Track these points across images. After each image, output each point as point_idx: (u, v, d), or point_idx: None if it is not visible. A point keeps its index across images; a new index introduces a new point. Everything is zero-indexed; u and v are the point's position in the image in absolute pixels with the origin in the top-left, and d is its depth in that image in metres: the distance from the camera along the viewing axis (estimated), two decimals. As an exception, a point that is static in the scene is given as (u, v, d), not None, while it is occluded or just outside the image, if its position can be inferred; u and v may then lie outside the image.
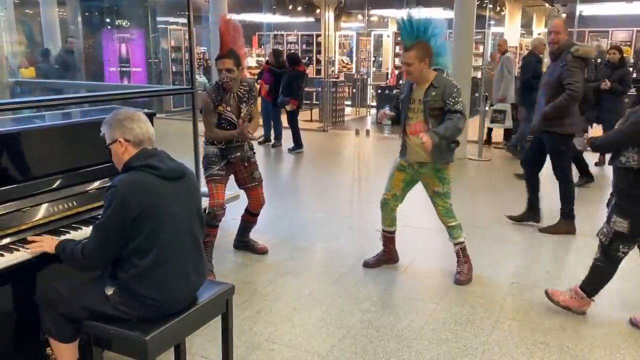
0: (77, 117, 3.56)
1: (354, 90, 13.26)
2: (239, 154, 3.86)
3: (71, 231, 2.53)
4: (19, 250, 2.29)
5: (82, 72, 11.68)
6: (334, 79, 11.97)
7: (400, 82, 12.09)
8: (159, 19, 13.12)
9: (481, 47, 13.80)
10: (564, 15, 14.22)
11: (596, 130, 7.53)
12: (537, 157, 4.92)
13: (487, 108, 8.52)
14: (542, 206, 5.06)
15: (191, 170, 2.43)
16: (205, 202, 3.40)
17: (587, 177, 6.66)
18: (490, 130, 9.08)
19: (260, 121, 3.83)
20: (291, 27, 16.53)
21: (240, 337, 3.01)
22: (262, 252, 4.24)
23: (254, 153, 4.06)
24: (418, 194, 4.04)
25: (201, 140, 3.80)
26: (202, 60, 14.50)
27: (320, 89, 11.60)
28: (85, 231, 2.54)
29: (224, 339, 2.55)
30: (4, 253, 2.24)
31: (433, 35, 3.56)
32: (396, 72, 13.94)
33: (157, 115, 3.97)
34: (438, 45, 3.60)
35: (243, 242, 4.25)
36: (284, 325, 3.19)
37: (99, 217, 2.20)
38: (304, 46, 15.95)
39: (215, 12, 9.80)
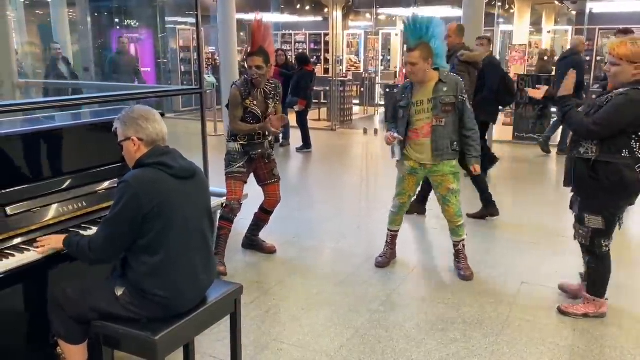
0: (86, 117, 3.59)
1: (362, 89, 13.25)
2: (260, 150, 3.92)
3: (80, 231, 2.54)
4: (29, 250, 2.30)
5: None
6: (342, 78, 11.96)
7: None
8: (167, 19, 13.17)
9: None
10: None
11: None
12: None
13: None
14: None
15: (201, 170, 2.44)
16: (220, 199, 3.49)
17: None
18: None
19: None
20: (299, 27, 16.53)
21: (249, 336, 3.02)
22: (271, 251, 4.25)
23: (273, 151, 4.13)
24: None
25: (224, 137, 3.86)
26: (210, 60, 14.52)
27: (328, 88, 11.59)
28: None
29: (233, 339, 2.55)
30: (14, 253, 2.25)
31: (433, 36, 3.59)
32: (404, 70, 13.89)
33: (166, 115, 3.99)
34: (437, 46, 3.63)
35: (252, 241, 4.27)
36: (293, 324, 3.20)
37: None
38: (312, 45, 15.95)
39: (223, 12, 9.79)
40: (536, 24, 15.12)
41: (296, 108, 8.40)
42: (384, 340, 3.03)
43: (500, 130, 9.45)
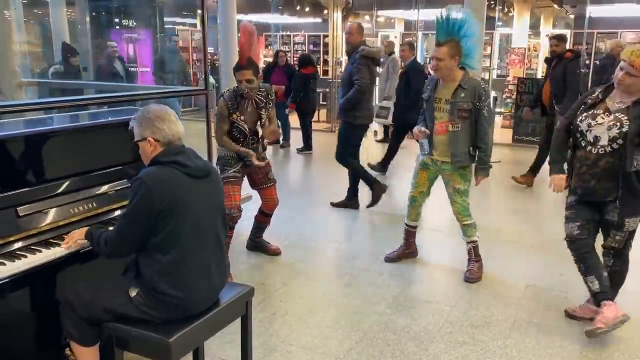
0: (85, 118, 3.57)
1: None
2: (263, 152, 3.95)
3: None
4: (40, 251, 2.29)
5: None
6: (339, 80, 11.95)
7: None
8: (166, 19, 13.14)
9: (489, 49, 13.81)
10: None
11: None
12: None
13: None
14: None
15: (216, 169, 2.44)
16: None
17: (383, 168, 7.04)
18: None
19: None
20: (298, 28, 16.53)
21: (257, 338, 3.01)
22: (275, 253, 4.24)
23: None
24: (430, 196, 4.05)
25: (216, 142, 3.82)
26: (210, 60, 14.51)
27: (327, 90, 11.58)
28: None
29: (244, 342, 2.54)
30: (26, 254, 2.24)
31: (465, 35, 3.61)
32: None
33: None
34: (469, 47, 3.65)
35: (256, 243, 4.25)
36: (300, 327, 3.19)
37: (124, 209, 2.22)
38: (311, 47, 15.94)
39: (223, 13, 9.79)
40: (534, 27, 15.17)
41: (287, 111, 8.42)
42: (392, 343, 3.03)
43: (500, 133, 9.48)
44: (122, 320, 2.20)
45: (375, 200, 5.36)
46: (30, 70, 9.91)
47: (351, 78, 5.13)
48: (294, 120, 8.92)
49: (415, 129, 3.79)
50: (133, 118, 2.29)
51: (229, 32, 9.84)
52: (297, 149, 8.65)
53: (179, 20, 14.08)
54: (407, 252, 4.17)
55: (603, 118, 3.04)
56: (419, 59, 9.09)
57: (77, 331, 2.23)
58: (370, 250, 4.39)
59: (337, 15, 11.13)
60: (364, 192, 5.55)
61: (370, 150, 8.64)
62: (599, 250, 3.20)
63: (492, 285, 3.78)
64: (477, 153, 3.72)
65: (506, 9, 13.15)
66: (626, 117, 2.95)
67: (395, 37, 15.25)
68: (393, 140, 7.28)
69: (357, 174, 5.48)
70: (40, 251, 2.29)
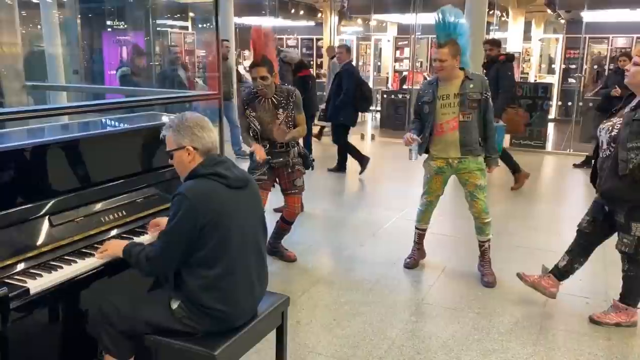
0: (78, 125, 3.48)
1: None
2: (281, 159, 3.87)
3: (136, 239, 2.46)
4: (76, 261, 2.22)
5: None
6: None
7: (404, 86, 12.14)
8: (159, 21, 13.01)
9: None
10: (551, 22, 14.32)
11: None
12: None
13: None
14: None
15: (253, 179, 2.39)
16: None
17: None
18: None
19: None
20: (291, 31, 16.48)
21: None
22: (290, 259, 4.19)
23: (312, 160, 4.10)
24: (443, 203, 4.03)
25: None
26: (202, 63, 14.40)
27: (324, 93, 11.54)
28: (140, 240, 2.48)
29: (279, 353, 2.51)
30: (62, 265, 2.17)
31: (460, 34, 3.68)
32: (399, 76, 13.94)
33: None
34: (462, 44, 3.69)
35: (275, 248, 4.20)
36: (327, 336, 3.14)
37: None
38: (304, 50, 15.90)
39: (221, 15, 9.70)
40: (525, 32, 15.29)
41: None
42: (422, 351, 3.00)
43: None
44: (162, 333, 2.15)
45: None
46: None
47: None
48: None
49: (407, 135, 3.74)
50: (168, 126, 2.22)
51: (226, 35, 9.77)
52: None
53: (171, 22, 13.95)
54: (421, 255, 4.19)
55: (609, 123, 3.09)
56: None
57: (114, 345, 2.16)
58: (385, 255, 4.36)
59: (334, 19, 11.12)
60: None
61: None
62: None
63: (511, 290, 3.76)
64: (487, 143, 3.76)
65: (500, 14, 13.23)
66: (620, 121, 2.99)
67: (389, 40, 15.30)
68: (335, 141, 7.53)
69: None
70: (76, 262, 2.22)
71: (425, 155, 3.90)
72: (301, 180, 3.99)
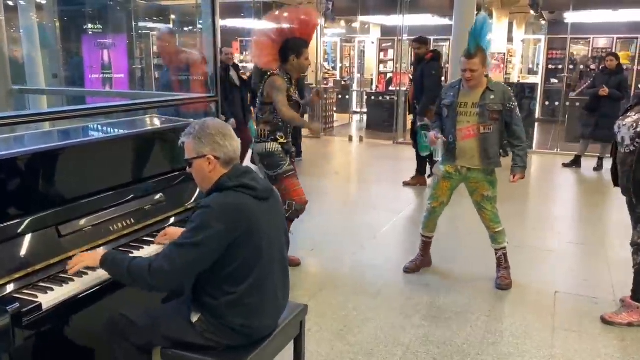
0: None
1: (339, 97, 13.21)
2: (293, 148, 3.98)
3: (134, 251, 2.35)
4: (87, 273, 2.10)
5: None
6: (324, 86, 11.89)
7: (391, 87, 12.12)
8: (140, 24, 12.81)
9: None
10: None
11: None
12: None
13: None
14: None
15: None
16: None
17: None
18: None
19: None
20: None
21: (298, 357, 2.86)
22: (295, 264, 4.09)
23: None
24: (452, 203, 3.99)
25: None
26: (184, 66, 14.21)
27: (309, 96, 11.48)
28: (148, 251, 2.37)
29: (297, 364, 2.41)
30: (73, 277, 2.05)
31: (486, 42, 3.58)
32: (384, 78, 13.93)
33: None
34: (486, 49, 3.63)
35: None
36: (339, 343, 3.06)
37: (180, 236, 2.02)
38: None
39: (207, 17, 9.57)
40: (507, 33, 15.40)
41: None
42: (438, 357, 2.93)
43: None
44: (180, 347, 2.04)
45: None
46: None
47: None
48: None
49: (432, 134, 3.72)
50: (188, 133, 2.08)
51: (212, 37, 9.63)
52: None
53: (154, 25, 13.73)
54: (425, 262, 4.10)
55: (629, 119, 3.09)
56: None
57: (130, 359, 2.06)
58: (389, 258, 4.30)
59: (321, 21, 11.07)
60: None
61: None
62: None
63: (521, 293, 3.73)
64: (515, 151, 3.69)
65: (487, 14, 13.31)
66: None
67: (373, 42, 15.29)
68: None
69: None
70: (87, 273, 2.10)
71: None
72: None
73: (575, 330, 3.22)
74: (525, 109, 9.25)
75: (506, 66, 12.79)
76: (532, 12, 11.74)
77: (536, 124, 11.04)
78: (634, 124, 3.03)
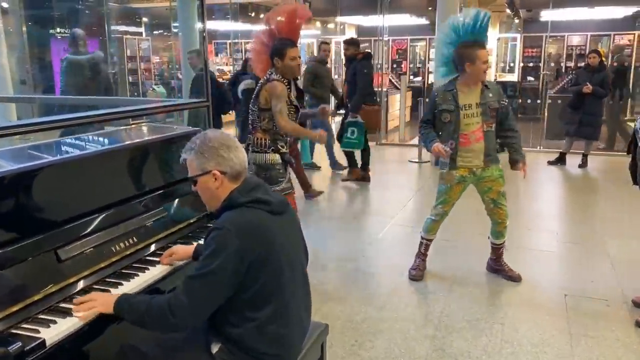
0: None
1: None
2: (292, 159, 3.82)
3: (139, 273, 2.16)
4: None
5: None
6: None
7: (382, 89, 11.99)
8: (113, 27, 12.45)
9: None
10: (516, 21, 14.61)
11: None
12: None
13: None
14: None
15: (284, 188, 2.12)
16: None
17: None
18: None
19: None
20: (250, 35, 16.14)
21: (312, 377, 2.70)
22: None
23: None
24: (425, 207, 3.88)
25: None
26: (158, 69, 13.89)
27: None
28: (153, 273, 2.18)
29: (320, 388, 2.25)
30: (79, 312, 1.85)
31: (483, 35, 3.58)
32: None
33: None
34: None
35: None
36: (354, 359, 2.91)
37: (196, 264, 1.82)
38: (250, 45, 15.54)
39: (183, 20, 9.33)
40: (482, 32, 15.45)
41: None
42: (458, 370, 2.81)
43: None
44: (199, 379, 1.86)
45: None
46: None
47: None
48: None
49: (440, 147, 3.54)
50: (189, 148, 1.90)
51: (190, 40, 9.39)
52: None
53: (127, 29, 13.38)
54: (425, 265, 4.01)
55: None
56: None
57: (143, 396, 1.86)
58: (390, 266, 4.17)
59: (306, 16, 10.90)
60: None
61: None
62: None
63: (530, 297, 3.63)
64: (513, 143, 3.70)
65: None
66: None
67: (349, 43, 15.14)
68: None
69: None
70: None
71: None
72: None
73: (592, 335, 3.13)
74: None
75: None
76: (508, 10, 11.80)
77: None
78: None
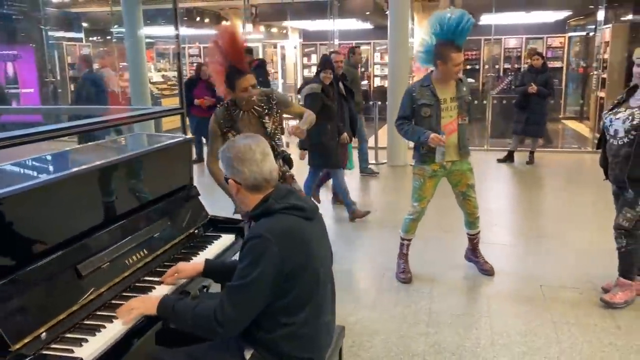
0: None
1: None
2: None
3: (156, 286, 2.12)
4: (111, 321, 1.85)
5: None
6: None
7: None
8: (51, 34, 11.94)
9: (386, 57, 14.29)
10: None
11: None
12: None
13: None
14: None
15: None
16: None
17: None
18: None
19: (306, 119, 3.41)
20: (193, 40, 15.88)
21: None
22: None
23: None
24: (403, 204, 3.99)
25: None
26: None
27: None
28: (161, 291, 2.13)
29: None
30: (104, 324, 1.80)
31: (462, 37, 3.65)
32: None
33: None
34: None
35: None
36: (353, 359, 2.95)
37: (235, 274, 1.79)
38: (207, 59, 15.36)
39: (130, 26, 9.09)
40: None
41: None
42: (457, 363, 2.90)
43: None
44: (233, 387, 1.85)
45: None
46: None
47: None
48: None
49: (435, 136, 3.62)
50: (224, 157, 1.93)
51: (137, 47, 9.17)
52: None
53: (67, 35, 12.85)
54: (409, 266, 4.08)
55: (621, 113, 3.25)
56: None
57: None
58: (370, 265, 4.24)
59: (248, 26, 10.83)
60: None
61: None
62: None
63: (509, 289, 3.79)
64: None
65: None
66: (639, 112, 3.17)
67: (295, 47, 15.24)
68: None
69: None
70: (117, 317, 1.86)
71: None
72: (298, 185, 3.60)
73: (573, 322, 3.31)
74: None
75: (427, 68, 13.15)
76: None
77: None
78: (630, 117, 3.18)
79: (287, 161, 3.36)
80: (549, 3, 12.44)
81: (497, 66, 13.44)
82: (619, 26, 10.31)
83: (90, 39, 13.26)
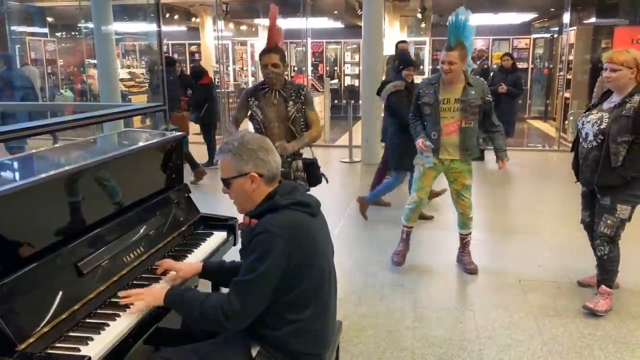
0: None
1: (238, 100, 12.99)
2: (283, 169, 3.54)
3: (154, 284, 2.09)
4: (119, 315, 1.83)
5: None
6: (226, 90, 11.57)
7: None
8: (13, 28, 11.59)
9: (356, 56, 14.42)
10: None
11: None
12: None
13: None
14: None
15: None
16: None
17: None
18: None
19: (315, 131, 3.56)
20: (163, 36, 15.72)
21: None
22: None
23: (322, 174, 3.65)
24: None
25: None
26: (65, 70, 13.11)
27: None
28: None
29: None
30: (107, 322, 1.78)
31: (467, 36, 3.69)
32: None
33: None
34: (468, 47, 3.74)
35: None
36: (345, 356, 2.97)
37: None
38: (176, 56, 15.18)
39: (98, 21, 8.90)
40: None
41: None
42: (445, 356, 2.96)
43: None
44: (239, 383, 1.85)
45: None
46: None
47: None
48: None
49: (421, 142, 3.74)
50: (225, 150, 1.88)
51: (107, 41, 8.98)
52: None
53: (29, 29, 12.49)
54: (407, 251, 4.22)
55: (593, 116, 3.33)
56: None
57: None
58: (355, 262, 4.27)
59: (221, 23, 10.73)
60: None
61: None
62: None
63: (490, 284, 3.89)
64: (497, 138, 3.91)
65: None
66: (608, 116, 3.24)
67: (266, 45, 15.14)
68: None
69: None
70: (119, 315, 1.84)
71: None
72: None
73: (553, 315, 3.42)
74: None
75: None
76: (419, 15, 12.37)
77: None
78: (598, 121, 3.25)
79: (311, 169, 3.58)
80: (515, 5, 12.74)
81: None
82: (583, 28, 10.62)
83: (56, 34, 12.91)
